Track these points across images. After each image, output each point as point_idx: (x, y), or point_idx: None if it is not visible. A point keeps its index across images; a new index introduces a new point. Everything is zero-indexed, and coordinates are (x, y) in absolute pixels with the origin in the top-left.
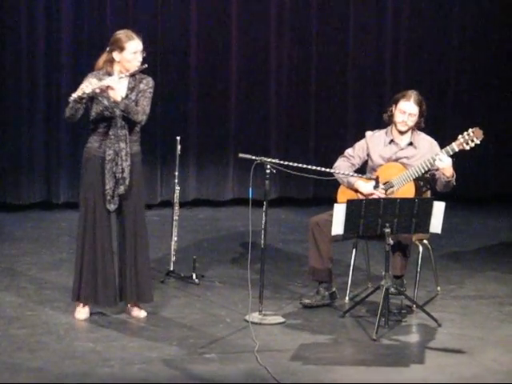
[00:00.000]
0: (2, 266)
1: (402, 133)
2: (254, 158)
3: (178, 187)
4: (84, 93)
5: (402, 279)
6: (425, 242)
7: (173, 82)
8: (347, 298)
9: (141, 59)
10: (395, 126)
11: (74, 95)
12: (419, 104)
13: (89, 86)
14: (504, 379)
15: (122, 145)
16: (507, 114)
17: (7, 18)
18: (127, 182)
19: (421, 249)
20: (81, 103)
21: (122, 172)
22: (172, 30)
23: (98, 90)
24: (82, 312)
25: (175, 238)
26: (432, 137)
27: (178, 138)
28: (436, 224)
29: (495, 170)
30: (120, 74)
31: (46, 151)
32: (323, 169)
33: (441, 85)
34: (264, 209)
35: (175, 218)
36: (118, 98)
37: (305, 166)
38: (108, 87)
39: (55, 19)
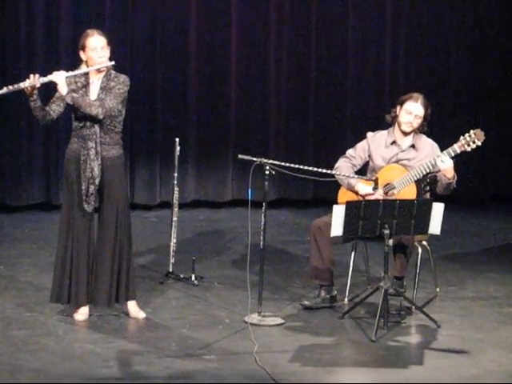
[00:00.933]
0: (0, 267)
1: (404, 134)
2: (253, 159)
3: (177, 188)
4: (19, 87)
5: (402, 280)
6: (424, 243)
7: (172, 83)
8: (346, 299)
9: (103, 55)
10: (399, 126)
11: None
12: (425, 107)
13: (26, 81)
14: (503, 380)
15: (91, 144)
16: (506, 116)
17: (7, 21)
18: (97, 181)
19: (420, 250)
20: (34, 101)
21: (92, 171)
22: (171, 32)
23: (38, 85)
24: (81, 313)
25: (174, 239)
26: (432, 139)
27: (177, 139)
28: (435, 225)
29: (494, 171)
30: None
31: (45, 152)
32: (323, 170)
33: (440, 88)
34: (263, 210)
35: (174, 219)
36: (63, 92)
37: (304, 167)
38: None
39: (54, 22)
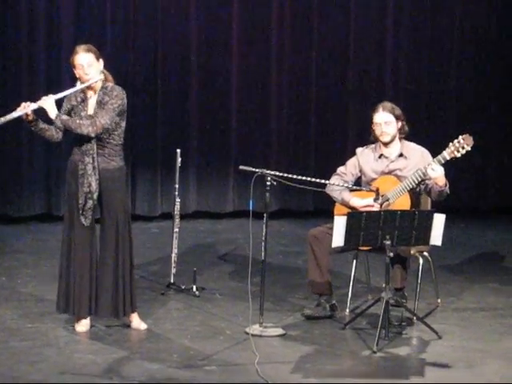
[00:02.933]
0: (2, 278)
1: (387, 144)
2: (254, 170)
3: (178, 199)
4: (13, 117)
5: (403, 291)
6: (425, 254)
7: (173, 93)
8: (347, 310)
9: (89, 72)
10: (379, 140)
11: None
12: (390, 110)
13: (18, 110)
14: None
15: (88, 159)
16: (507, 126)
17: (8, 27)
18: (95, 196)
19: (421, 261)
20: (34, 126)
21: (89, 186)
22: (172, 40)
23: (29, 112)
24: (83, 324)
25: (175, 250)
26: (431, 147)
27: (179, 150)
28: (436, 236)
29: (495, 182)
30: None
31: (46, 163)
32: (323, 181)
33: (441, 98)
34: (264, 221)
35: (176, 230)
36: (52, 117)
37: (305, 178)
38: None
39: (55, 28)
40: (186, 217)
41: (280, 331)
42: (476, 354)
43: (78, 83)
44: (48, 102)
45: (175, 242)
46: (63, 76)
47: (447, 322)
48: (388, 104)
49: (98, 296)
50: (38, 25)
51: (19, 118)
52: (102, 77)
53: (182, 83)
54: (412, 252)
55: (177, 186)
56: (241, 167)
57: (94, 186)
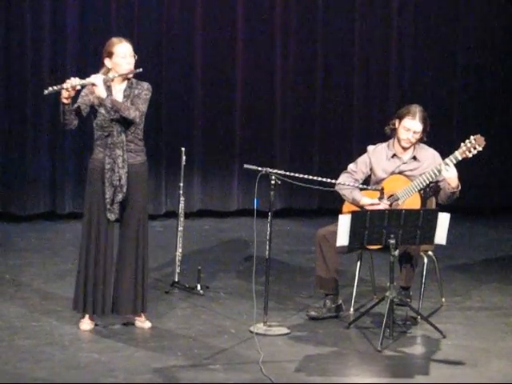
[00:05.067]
0: (6, 276)
1: (405, 148)
2: (259, 169)
3: (182, 198)
4: (62, 88)
5: (408, 290)
6: (430, 253)
7: (178, 92)
8: (352, 309)
9: (131, 62)
10: (399, 141)
11: (63, 100)
12: (424, 121)
13: (68, 82)
14: None
15: (119, 152)
16: None
17: (13, 31)
18: (125, 189)
19: (426, 260)
20: (68, 104)
21: (120, 179)
22: (177, 40)
23: (78, 87)
24: (87, 322)
25: (180, 249)
26: (436, 148)
27: (183, 148)
28: (441, 235)
29: (500, 181)
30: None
31: (51, 162)
32: (328, 180)
33: (446, 98)
34: (269, 220)
35: (180, 228)
36: (103, 95)
37: (310, 177)
38: (93, 84)
39: (60, 31)
40: (191, 215)
41: (284, 330)
42: (480, 353)
43: (111, 73)
44: (99, 80)
45: (179, 241)
46: (67, 68)
47: (452, 321)
48: (423, 113)
49: (118, 294)
50: (43, 19)
51: (60, 91)
52: (141, 69)
53: (187, 82)
54: None
55: (181, 184)
56: (245, 166)
57: (124, 178)
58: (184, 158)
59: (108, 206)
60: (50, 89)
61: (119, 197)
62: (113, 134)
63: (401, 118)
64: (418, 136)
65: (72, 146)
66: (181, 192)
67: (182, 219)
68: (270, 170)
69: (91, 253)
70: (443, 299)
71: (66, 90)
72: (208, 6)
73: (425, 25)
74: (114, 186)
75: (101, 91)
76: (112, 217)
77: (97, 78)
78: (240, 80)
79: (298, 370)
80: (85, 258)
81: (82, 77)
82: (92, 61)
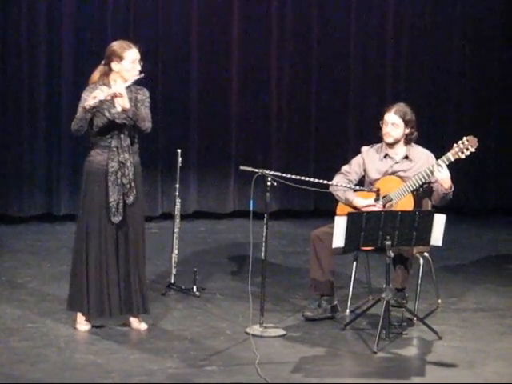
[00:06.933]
0: (2, 278)
1: (391, 146)
2: (254, 170)
3: (178, 200)
4: (99, 100)
5: (404, 292)
6: (425, 254)
7: (173, 94)
8: (348, 310)
9: (139, 68)
10: (383, 138)
11: (89, 103)
12: (402, 115)
13: (100, 93)
14: None
15: (127, 155)
16: (508, 127)
17: (8, 34)
18: (135, 191)
19: (421, 261)
20: (91, 113)
21: (130, 182)
22: (172, 41)
23: (109, 97)
24: (83, 324)
25: (176, 251)
26: (432, 148)
27: (179, 150)
28: (437, 237)
29: (495, 182)
30: (122, 83)
31: (47, 163)
32: (324, 181)
33: (442, 98)
34: (265, 221)
35: (176, 230)
36: (127, 105)
37: (306, 178)
38: (118, 94)
39: (56, 32)
40: (187, 217)
41: (280, 331)
42: (476, 354)
43: (113, 83)
44: (124, 90)
45: (175, 243)
46: (64, 70)
47: (447, 322)
48: (402, 107)
49: (126, 295)
50: (39, 20)
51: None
52: (143, 75)
53: (183, 83)
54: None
55: (177, 186)
56: (241, 167)
57: (133, 180)
58: (180, 159)
59: (113, 210)
60: (90, 104)
61: (130, 199)
62: (119, 137)
63: (382, 116)
64: (398, 130)
65: (68, 147)
66: (177, 194)
67: (177, 221)
68: (266, 172)
69: (91, 254)
70: (439, 300)
71: (105, 99)
72: (204, 9)
73: (420, 25)
74: (122, 189)
75: (126, 102)
76: (117, 220)
77: (122, 88)
78: (235, 82)
79: (294, 372)
80: (85, 259)
81: (78, 77)
82: (88, 62)
